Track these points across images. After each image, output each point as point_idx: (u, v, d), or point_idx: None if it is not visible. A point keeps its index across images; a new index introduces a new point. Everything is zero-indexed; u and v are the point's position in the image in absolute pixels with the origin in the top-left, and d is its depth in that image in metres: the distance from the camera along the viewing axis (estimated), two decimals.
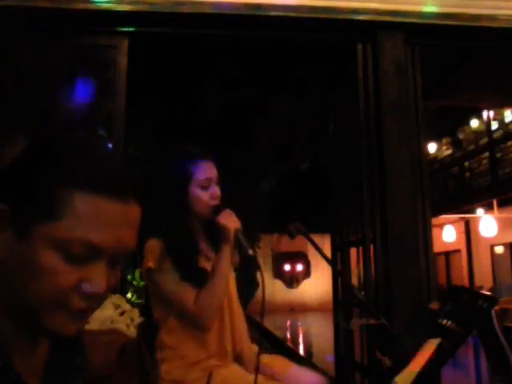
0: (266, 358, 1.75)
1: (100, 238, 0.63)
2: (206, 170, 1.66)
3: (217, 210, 1.65)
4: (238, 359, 1.74)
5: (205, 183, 1.64)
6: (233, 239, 1.62)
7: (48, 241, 0.62)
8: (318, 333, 11.50)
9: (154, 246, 1.57)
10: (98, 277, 0.64)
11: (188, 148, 1.73)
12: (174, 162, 1.70)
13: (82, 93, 2.74)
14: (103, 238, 0.63)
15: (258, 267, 1.60)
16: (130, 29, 2.75)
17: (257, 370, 1.49)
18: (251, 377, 1.56)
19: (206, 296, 1.57)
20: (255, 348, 1.78)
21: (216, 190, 1.67)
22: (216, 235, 1.66)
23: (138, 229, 0.69)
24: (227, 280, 1.65)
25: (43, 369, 0.70)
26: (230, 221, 1.62)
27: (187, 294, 1.58)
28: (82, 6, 2.63)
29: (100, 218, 0.63)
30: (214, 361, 1.65)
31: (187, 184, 1.63)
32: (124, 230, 0.66)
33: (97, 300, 0.67)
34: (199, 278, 1.60)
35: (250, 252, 1.59)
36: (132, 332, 2.02)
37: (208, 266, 1.67)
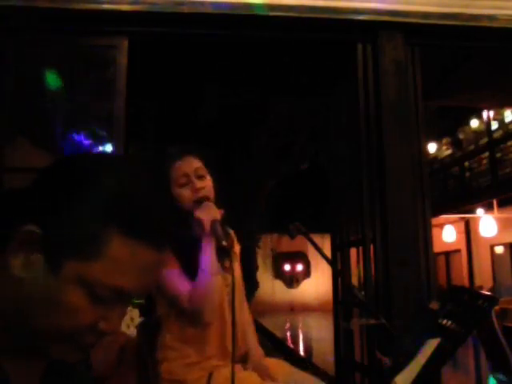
0: (269, 362, 1.76)
1: (131, 286, 0.61)
2: (182, 167, 1.65)
3: (198, 202, 1.62)
4: (243, 361, 1.73)
5: (182, 180, 1.63)
6: (208, 230, 1.56)
7: (77, 279, 0.59)
8: (317, 333, 11.49)
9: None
10: (116, 318, 0.64)
11: (167, 150, 1.73)
12: (156, 167, 1.71)
13: (82, 93, 2.74)
14: (134, 285, 0.62)
15: (229, 257, 1.55)
16: (130, 29, 2.75)
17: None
18: (252, 377, 1.57)
19: (196, 292, 1.56)
20: (261, 351, 1.78)
21: (196, 183, 1.64)
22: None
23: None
24: (213, 273, 1.57)
25: (42, 374, 0.68)
26: (207, 213, 1.58)
27: (184, 290, 1.57)
28: (82, 5, 2.63)
29: (135, 265, 0.61)
30: (214, 361, 1.64)
31: (169, 186, 1.63)
32: (152, 276, 0.65)
33: (106, 335, 0.65)
34: (194, 274, 1.58)
35: (224, 243, 1.52)
36: (132, 332, 2.02)
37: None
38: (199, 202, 1.62)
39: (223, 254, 1.56)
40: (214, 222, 1.55)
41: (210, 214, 1.57)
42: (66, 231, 0.60)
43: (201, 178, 1.66)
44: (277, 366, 1.78)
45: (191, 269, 1.59)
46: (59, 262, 0.59)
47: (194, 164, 1.66)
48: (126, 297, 0.63)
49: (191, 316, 1.59)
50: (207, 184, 1.66)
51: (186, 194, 1.62)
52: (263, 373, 1.68)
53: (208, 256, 1.57)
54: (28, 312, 0.61)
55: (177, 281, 1.58)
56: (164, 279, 1.58)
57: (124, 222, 0.60)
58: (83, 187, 0.61)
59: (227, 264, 1.58)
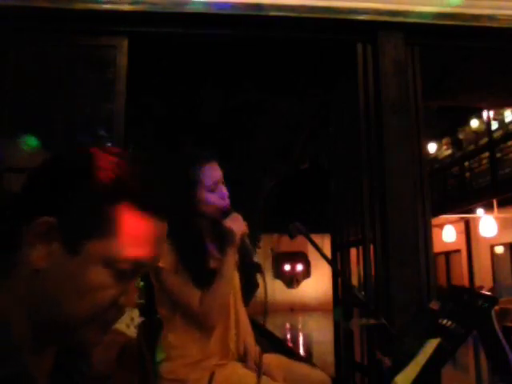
0: (267, 358, 1.76)
1: (147, 256, 0.65)
2: (213, 173, 1.68)
3: (225, 212, 1.67)
4: (242, 360, 1.76)
5: (212, 187, 1.66)
6: (238, 243, 1.65)
7: (99, 258, 0.62)
8: (317, 333, 11.49)
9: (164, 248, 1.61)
10: (133, 290, 0.67)
11: (192, 152, 1.76)
12: (179, 168, 1.71)
13: (82, 93, 2.74)
14: (149, 256, 0.66)
15: (261, 272, 1.67)
16: (130, 29, 2.75)
17: (259, 369, 1.51)
18: (253, 376, 1.58)
19: (210, 297, 1.59)
20: (258, 349, 1.80)
21: (224, 191, 1.69)
22: (223, 236, 1.68)
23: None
24: (231, 282, 1.68)
25: (51, 371, 0.69)
26: (237, 225, 1.65)
27: (193, 295, 1.60)
28: (82, 6, 2.63)
29: (149, 236, 0.65)
30: (216, 360, 1.66)
31: (194, 189, 1.65)
32: (160, 246, 0.69)
33: (124, 310, 0.68)
34: (207, 279, 1.62)
35: (255, 259, 1.65)
36: (132, 332, 2.02)
37: (215, 266, 1.68)
38: (225, 211, 1.66)
39: (255, 269, 1.68)
40: (243, 236, 1.64)
41: (240, 226, 1.64)
42: (81, 215, 0.62)
43: (224, 184, 1.71)
44: (275, 360, 1.80)
45: (199, 274, 1.62)
46: (78, 245, 0.62)
47: (220, 171, 1.70)
48: (142, 268, 0.67)
49: (199, 319, 1.61)
50: (227, 192, 1.71)
51: (214, 200, 1.66)
52: (262, 370, 1.69)
53: (231, 265, 1.63)
54: (52, 302, 0.62)
55: (185, 287, 1.60)
56: (173, 284, 1.61)
57: (135, 199, 0.64)
58: (90, 173, 0.63)
59: (260, 278, 1.67)
